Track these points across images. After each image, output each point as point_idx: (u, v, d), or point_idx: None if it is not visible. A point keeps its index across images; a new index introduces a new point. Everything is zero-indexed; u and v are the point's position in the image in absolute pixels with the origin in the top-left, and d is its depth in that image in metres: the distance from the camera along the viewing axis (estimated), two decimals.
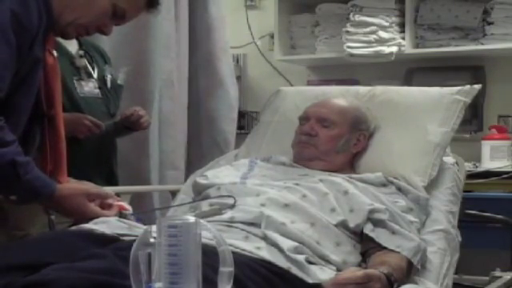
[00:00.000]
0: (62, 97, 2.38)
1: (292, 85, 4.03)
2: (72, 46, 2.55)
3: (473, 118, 3.70)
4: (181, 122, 3.35)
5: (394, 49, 3.77)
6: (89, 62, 2.57)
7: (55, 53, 2.35)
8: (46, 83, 1.85)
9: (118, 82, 2.69)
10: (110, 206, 1.88)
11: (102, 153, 2.49)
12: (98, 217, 1.81)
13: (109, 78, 2.61)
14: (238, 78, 4.35)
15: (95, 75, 2.56)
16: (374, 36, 3.76)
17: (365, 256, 1.86)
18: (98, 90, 2.55)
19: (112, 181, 2.62)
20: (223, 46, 3.48)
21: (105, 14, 1.81)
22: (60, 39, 2.43)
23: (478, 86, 2.33)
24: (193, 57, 3.41)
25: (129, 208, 1.90)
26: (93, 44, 2.69)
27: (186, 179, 3.21)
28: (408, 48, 3.79)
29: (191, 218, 1.15)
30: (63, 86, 2.43)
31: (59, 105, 1.90)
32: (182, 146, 3.35)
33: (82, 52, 2.55)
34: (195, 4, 3.40)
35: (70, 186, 1.87)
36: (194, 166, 3.27)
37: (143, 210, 2.77)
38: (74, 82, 2.49)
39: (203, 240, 1.16)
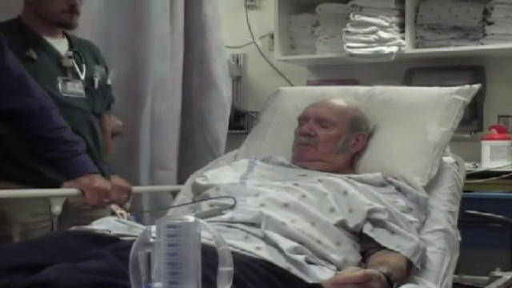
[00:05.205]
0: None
1: (292, 85, 4.03)
2: (62, 46, 2.54)
3: (473, 118, 3.70)
4: (173, 122, 3.33)
5: (394, 49, 3.76)
6: (77, 63, 2.55)
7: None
8: None
9: (108, 82, 2.69)
10: None
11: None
12: None
13: (97, 79, 2.60)
14: (238, 78, 4.35)
15: (83, 76, 2.54)
16: (374, 36, 3.76)
17: (364, 256, 1.86)
18: (82, 91, 2.53)
19: None
20: (218, 46, 3.46)
21: None
22: (50, 40, 2.45)
23: (477, 86, 2.34)
24: (187, 57, 3.39)
25: (125, 216, 1.89)
26: (87, 44, 2.67)
27: (178, 180, 3.22)
28: (408, 48, 3.78)
29: (191, 218, 1.15)
30: (48, 85, 2.42)
31: None
32: (173, 146, 3.34)
33: (70, 53, 2.53)
34: (190, 3, 3.38)
35: None
36: (187, 167, 3.27)
37: (136, 209, 2.77)
38: (59, 81, 2.47)
39: (203, 240, 1.16)
